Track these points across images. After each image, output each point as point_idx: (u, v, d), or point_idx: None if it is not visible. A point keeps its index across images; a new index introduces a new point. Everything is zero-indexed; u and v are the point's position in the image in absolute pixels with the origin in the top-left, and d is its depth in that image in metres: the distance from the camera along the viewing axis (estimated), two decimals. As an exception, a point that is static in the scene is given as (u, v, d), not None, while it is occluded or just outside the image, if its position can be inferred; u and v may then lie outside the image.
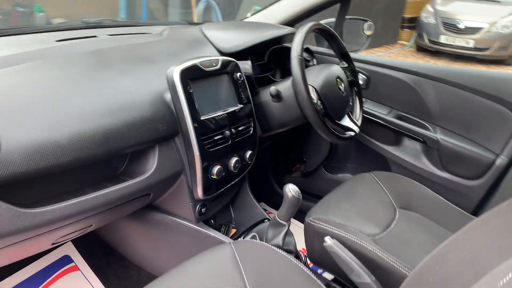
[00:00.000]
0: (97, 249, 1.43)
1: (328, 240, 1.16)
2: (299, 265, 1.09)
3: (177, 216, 1.30)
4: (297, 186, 1.22)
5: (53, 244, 1.08)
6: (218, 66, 1.27)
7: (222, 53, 1.47)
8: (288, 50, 1.39)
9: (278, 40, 1.65)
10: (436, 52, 7.34)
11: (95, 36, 1.37)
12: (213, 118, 1.21)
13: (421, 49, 7.65)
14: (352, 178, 1.59)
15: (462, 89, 1.57)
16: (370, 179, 1.55)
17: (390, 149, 1.76)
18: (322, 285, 1.06)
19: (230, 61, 1.32)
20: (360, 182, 1.54)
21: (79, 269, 1.44)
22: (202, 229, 1.29)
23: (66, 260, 1.43)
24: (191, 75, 1.18)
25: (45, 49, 1.17)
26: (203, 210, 1.30)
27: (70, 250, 1.47)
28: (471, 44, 6.67)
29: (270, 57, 1.71)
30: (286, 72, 1.69)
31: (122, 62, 1.21)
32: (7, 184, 0.84)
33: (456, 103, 1.60)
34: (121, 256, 1.51)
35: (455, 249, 0.86)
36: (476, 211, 1.59)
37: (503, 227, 0.78)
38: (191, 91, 1.16)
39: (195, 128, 1.16)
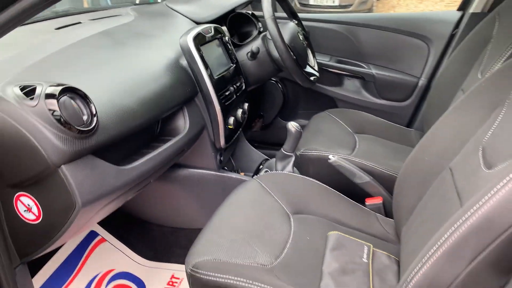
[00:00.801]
0: (115, 220, 1.53)
1: (332, 157, 1.47)
2: (316, 182, 1.38)
3: (201, 168, 1.49)
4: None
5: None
6: (213, 33, 1.46)
7: (197, 23, 1.64)
8: (243, 16, 1.63)
9: (234, 8, 1.87)
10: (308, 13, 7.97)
11: (79, 22, 1.44)
12: (221, 76, 1.41)
13: (293, 13, 8.24)
14: (313, 118, 1.90)
15: (386, 30, 1.98)
16: (327, 116, 1.89)
17: (335, 89, 2.12)
18: (343, 196, 1.36)
19: (219, 28, 1.51)
20: (320, 120, 1.87)
21: (106, 241, 1.53)
22: (225, 174, 1.49)
23: (93, 235, 1.51)
24: (198, 42, 1.36)
25: (57, 35, 1.24)
26: (221, 158, 1.50)
27: (93, 226, 1.54)
28: (336, 2, 7.40)
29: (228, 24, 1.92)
30: (243, 36, 1.92)
31: (130, 39, 1.33)
32: (104, 147, 0.97)
33: (383, 43, 2.00)
34: (140, 220, 1.63)
35: (432, 143, 1.22)
36: (409, 124, 2.04)
37: (464, 116, 1.14)
38: (202, 54, 1.34)
39: (213, 86, 1.35)
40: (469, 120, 1.09)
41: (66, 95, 0.88)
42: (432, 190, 1.10)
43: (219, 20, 1.77)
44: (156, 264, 1.55)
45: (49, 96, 0.85)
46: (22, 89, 0.87)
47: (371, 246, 1.19)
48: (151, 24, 1.51)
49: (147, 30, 1.44)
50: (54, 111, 0.85)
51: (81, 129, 0.88)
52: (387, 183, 1.46)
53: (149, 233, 1.63)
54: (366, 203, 1.40)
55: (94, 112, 0.92)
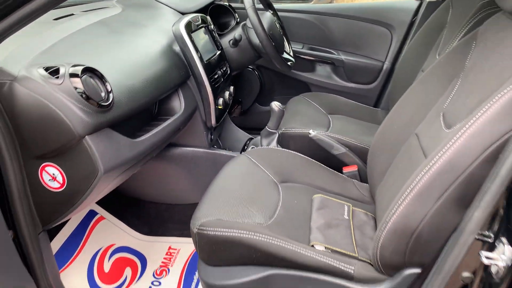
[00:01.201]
0: (112, 200, 1.63)
1: (312, 132, 1.63)
2: (299, 154, 1.53)
3: (194, 146, 1.62)
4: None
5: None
6: (200, 22, 1.59)
7: (182, 13, 1.77)
8: (221, 7, 1.78)
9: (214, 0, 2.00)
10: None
11: (73, 14, 1.53)
12: (210, 61, 1.55)
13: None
14: (289, 101, 2.06)
15: (353, 19, 2.17)
16: (302, 99, 2.05)
17: (308, 74, 2.29)
18: (323, 165, 1.53)
19: (205, 17, 1.64)
20: (296, 103, 2.03)
21: (105, 218, 1.63)
22: (216, 151, 1.63)
23: (92, 214, 1.61)
24: (188, 29, 1.48)
25: (58, 25, 1.33)
26: (212, 137, 1.64)
27: (92, 205, 1.64)
28: None
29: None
30: (221, 26, 2.05)
31: (126, 27, 1.44)
32: (118, 121, 1.09)
33: (350, 31, 2.19)
34: (135, 199, 1.74)
35: (399, 114, 1.41)
36: (376, 105, 2.24)
37: (422, 93, 1.33)
38: (193, 40, 1.47)
39: (204, 69, 1.48)
40: (431, 92, 1.27)
41: (86, 74, 0.99)
42: (401, 154, 1.27)
43: (201, 11, 1.90)
44: (153, 239, 1.67)
45: (73, 75, 0.97)
46: (46, 69, 0.98)
47: (351, 205, 1.36)
48: (141, 15, 1.62)
49: (138, 20, 1.55)
50: (77, 88, 0.97)
51: (101, 103, 1.00)
52: (360, 154, 1.64)
53: (145, 210, 1.74)
54: (344, 171, 1.57)
55: (110, 90, 1.04)
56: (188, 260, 1.58)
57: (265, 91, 2.39)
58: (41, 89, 0.95)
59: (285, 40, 2.03)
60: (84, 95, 0.97)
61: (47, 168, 1.03)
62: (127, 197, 1.73)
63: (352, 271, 1.08)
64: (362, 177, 1.58)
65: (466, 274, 0.87)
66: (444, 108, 1.13)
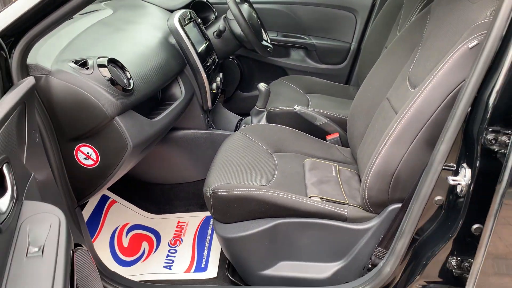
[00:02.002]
0: (120, 185, 1.79)
1: (296, 107, 1.84)
2: (287, 127, 1.74)
3: (193, 128, 1.80)
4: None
5: None
6: (189, 16, 1.77)
7: (169, 10, 1.94)
8: (201, 3, 1.97)
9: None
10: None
11: (72, 17, 1.68)
12: (202, 50, 1.73)
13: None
14: (270, 85, 2.27)
15: (320, 6, 2.40)
16: (282, 82, 2.27)
17: (284, 60, 2.51)
18: (309, 135, 1.74)
19: (192, 12, 1.82)
20: (277, 86, 2.24)
21: (117, 202, 1.79)
22: (213, 131, 1.82)
23: (105, 199, 1.76)
24: (181, 23, 1.66)
25: (65, 27, 1.48)
26: (208, 119, 1.83)
27: (103, 191, 1.79)
28: None
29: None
30: (203, 20, 2.23)
31: (125, 25, 1.61)
32: (138, 104, 1.26)
33: (318, 17, 2.42)
34: (141, 182, 1.90)
35: (371, 84, 1.64)
36: (347, 82, 2.48)
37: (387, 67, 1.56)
38: (187, 33, 1.66)
39: (198, 58, 1.66)
40: (396, 62, 1.50)
41: (111, 64, 1.16)
42: (375, 117, 1.50)
43: (184, 8, 2.07)
44: (162, 216, 1.85)
45: (100, 65, 1.14)
46: (75, 62, 1.14)
47: (337, 165, 1.58)
48: (133, 14, 1.78)
49: (133, 18, 1.72)
50: (105, 76, 1.14)
51: (126, 88, 1.17)
52: (339, 123, 1.87)
53: (152, 192, 1.91)
54: (327, 139, 1.79)
55: (130, 77, 1.22)
56: (198, 229, 1.76)
57: (246, 78, 2.59)
58: (74, 79, 1.12)
59: (262, 29, 2.23)
60: (111, 82, 1.14)
61: (81, 148, 1.20)
62: (135, 181, 1.89)
63: (345, 213, 1.29)
64: (343, 142, 1.81)
65: (438, 197, 1.10)
66: (409, 72, 1.36)
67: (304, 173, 1.51)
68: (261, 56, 2.33)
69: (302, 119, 1.86)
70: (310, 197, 1.36)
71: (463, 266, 1.08)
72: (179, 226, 1.79)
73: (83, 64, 1.14)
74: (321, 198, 1.35)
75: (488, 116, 0.95)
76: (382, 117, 1.43)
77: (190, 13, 1.86)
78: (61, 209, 0.82)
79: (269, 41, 2.21)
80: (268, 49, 2.10)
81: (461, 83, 1.05)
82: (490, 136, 0.95)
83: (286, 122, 1.88)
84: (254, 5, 2.38)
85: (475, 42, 1.02)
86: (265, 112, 1.88)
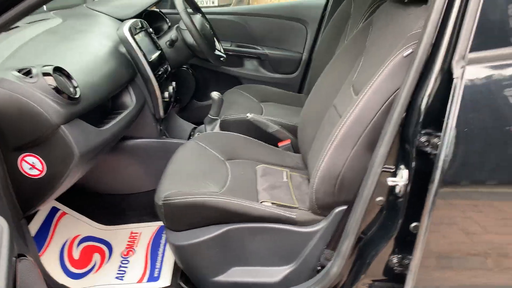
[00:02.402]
0: (70, 196, 1.75)
1: (249, 115, 1.88)
2: (240, 135, 1.77)
3: (145, 137, 1.79)
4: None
5: None
6: (140, 26, 1.77)
7: (121, 20, 1.93)
8: (154, 13, 1.99)
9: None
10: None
11: (18, 26, 1.65)
12: (153, 60, 1.74)
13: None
14: (225, 93, 2.29)
15: (272, 17, 2.46)
16: (236, 91, 2.30)
17: (238, 69, 2.55)
18: (261, 142, 1.77)
19: (143, 22, 1.83)
20: (231, 94, 2.27)
21: (68, 213, 1.74)
22: (166, 140, 1.82)
23: (55, 210, 1.70)
24: (131, 32, 1.67)
25: (10, 35, 1.46)
26: (161, 127, 1.82)
27: (52, 202, 1.73)
28: (216, 3, 7.81)
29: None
30: (155, 30, 2.23)
31: (74, 34, 1.59)
32: (85, 113, 1.26)
33: (271, 28, 2.48)
34: (92, 193, 1.87)
35: (319, 92, 1.70)
36: (300, 91, 2.54)
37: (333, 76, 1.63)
38: (137, 42, 1.66)
39: (150, 67, 1.67)
40: (342, 71, 1.57)
41: (56, 73, 1.15)
42: (323, 123, 1.55)
43: (136, 17, 2.07)
44: (114, 227, 1.82)
45: (45, 74, 1.13)
46: (18, 71, 1.13)
47: (288, 171, 1.62)
48: (83, 23, 1.77)
49: (83, 27, 1.70)
50: (50, 84, 1.13)
51: (72, 96, 1.17)
52: (291, 131, 1.92)
53: (104, 203, 1.88)
54: (279, 146, 1.83)
55: (76, 85, 1.21)
56: (151, 239, 1.75)
57: (201, 87, 2.60)
58: (18, 88, 1.10)
59: (215, 39, 2.26)
60: (57, 90, 1.13)
61: (26, 158, 1.17)
62: (87, 192, 1.85)
63: (295, 217, 1.33)
64: (295, 149, 1.85)
65: (379, 198, 1.16)
66: (353, 80, 1.43)
67: (256, 179, 1.54)
68: (216, 66, 2.36)
69: (255, 127, 1.89)
70: (261, 202, 1.38)
71: (404, 263, 1.14)
72: (132, 237, 1.77)
73: (27, 72, 1.13)
74: (272, 203, 1.38)
75: (421, 120, 1.01)
76: (329, 123, 1.49)
77: (141, 22, 1.86)
78: (6, 219, 0.81)
79: (222, 50, 2.24)
80: (221, 58, 2.13)
81: (397, 89, 1.11)
82: (423, 139, 1.01)
83: (240, 130, 1.91)
84: (208, 16, 2.42)
85: (409, 51, 1.09)
86: (219, 120, 1.90)
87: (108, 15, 1.93)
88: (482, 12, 0.94)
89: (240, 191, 1.44)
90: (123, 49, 1.65)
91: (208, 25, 2.14)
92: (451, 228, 1.08)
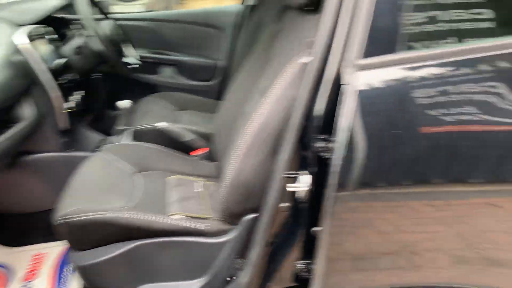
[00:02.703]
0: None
1: (158, 124, 1.82)
2: (153, 145, 1.71)
3: (48, 151, 1.67)
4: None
5: None
6: (41, 32, 1.66)
7: (20, 25, 1.79)
8: (59, 19, 1.88)
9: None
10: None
11: None
12: (56, 68, 1.63)
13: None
14: (140, 101, 2.21)
15: (188, 24, 2.42)
16: (152, 99, 2.24)
17: (154, 77, 2.48)
18: (176, 152, 1.72)
19: (46, 27, 1.71)
20: (146, 103, 2.20)
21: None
22: (71, 153, 1.71)
23: None
24: (30, 39, 1.55)
25: None
26: (66, 140, 1.71)
27: None
28: (142, 9, 7.57)
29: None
30: (62, 36, 2.11)
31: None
32: None
33: (187, 34, 2.44)
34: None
35: (232, 98, 1.69)
36: (218, 97, 2.51)
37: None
38: (36, 49, 1.55)
39: (51, 76, 1.56)
40: (252, 76, 1.56)
41: None
42: (235, 130, 1.53)
43: (39, 23, 1.94)
44: (17, 249, 1.68)
45: None
46: None
47: (203, 180, 1.59)
48: None
49: None
50: None
51: None
52: (209, 139, 1.88)
53: (5, 223, 1.73)
54: (195, 154, 1.79)
55: None
56: (59, 260, 1.63)
57: (115, 96, 2.49)
58: None
59: (126, 45, 2.17)
60: None
61: None
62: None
63: (205, 228, 1.30)
64: (212, 157, 1.82)
65: (284, 204, 1.16)
66: (260, 86, 1.42)
67: (167, 191, 1.49)
68: (131, 74, 2.27)
69: (169, 137, 1.84)
70: (170, 215, 1.34)
71: (309, 268, 1.15)
72: (36, 259, 1.64)
73: None
74: (182, 215, 1.34)
75: (317, 126, 1.03)
76: (239, 130, 1.47)
77: (44, 28, 1.74)
78: None
79: (134, 57, 2.16)
80: (131, 66, 2.05)
81: (295, 97, 1.12)
82: (320, 144, 1.02)
83: (154, 140, 1.84)
84: (121, 22, 2.33)
85: (306, 58, 1.10)
86: (129, 131, 1.82)
87: (6, 20, 1.79)
88: (371, 21, 0.97)
89: (148, 205, 1.38)
90: (20, 57, 1.52)
91: (116, 31, 2.06)
92: (359, 230, 1.10)
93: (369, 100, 0.97)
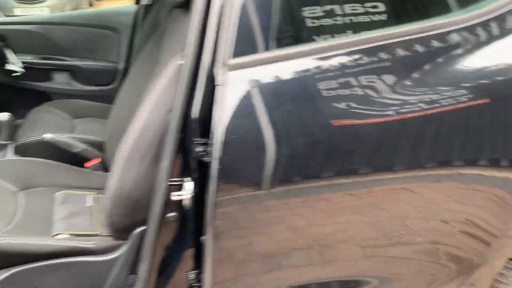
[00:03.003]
0: None
1: (45, 135, 1.67)
2: (40, 159, 1.58)
3: None
4: None
5: None
6: None
7: None
8: None
9: None
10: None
11: None
12: None
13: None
14: (30, 112, 2.03)
15: (81, 26, 2.27)
16: (45, 109, 2.08)
17: (46, 84, 2.30)
18: (66, 165, 1.59)
19: None
20: (38, 113, 2.03)
21: None
22: None
23: None
24: None
25: None
26: None
27: None
28: (46, 11, 7.03)
29: None
30: None
31: None
32: None
33: (81, 37, 2.29)
34: None
35: (124, 101, 1.60)
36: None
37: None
38: None
39: None
40: (143, 78, 1.48)
41: None
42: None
43: None
44: None
45: None
46: None
47: (95, 193, 1.48)
48: None
49: None
50: None
51: None
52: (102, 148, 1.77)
53: None
54: (86, 166, 1.67)
55: None
56: None
57: (4, 107, 2.28)
58: None
59: (8, 52, 1.99)
60: None
61: None
62: None
63: (91, 246, 1.20)
64: (106, 167, 1.71)
65: (171, 214, 1.10)
66: (147, 88, 1.35)
67: (53, 209, 1.37)
68: (15, 82, 2.08)
69: (59, 149, 1.70)
70: (54, 235, 1.23)
71: (200, 278, 1.10)
72: None
73: None
74: (66, 234, 1.24)
75: (195, 129, 0.98)
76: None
77: None
78: None
79: (19, 64, 1.99)
80: (15, 73, 1.89)
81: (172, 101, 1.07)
82: (200, 149, 0.98)
83: (41, 154, 1.70)
84: (2, 26, 2.14)
85: (182, 60, 1.05)
86: (11, 146, 1.66)
87: None
88: (238, 20, 0.94)
89: (30, 227, 1.26)
90: None
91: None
92: (269, 229, 1.07)
93: (241, 101, 0.94)
